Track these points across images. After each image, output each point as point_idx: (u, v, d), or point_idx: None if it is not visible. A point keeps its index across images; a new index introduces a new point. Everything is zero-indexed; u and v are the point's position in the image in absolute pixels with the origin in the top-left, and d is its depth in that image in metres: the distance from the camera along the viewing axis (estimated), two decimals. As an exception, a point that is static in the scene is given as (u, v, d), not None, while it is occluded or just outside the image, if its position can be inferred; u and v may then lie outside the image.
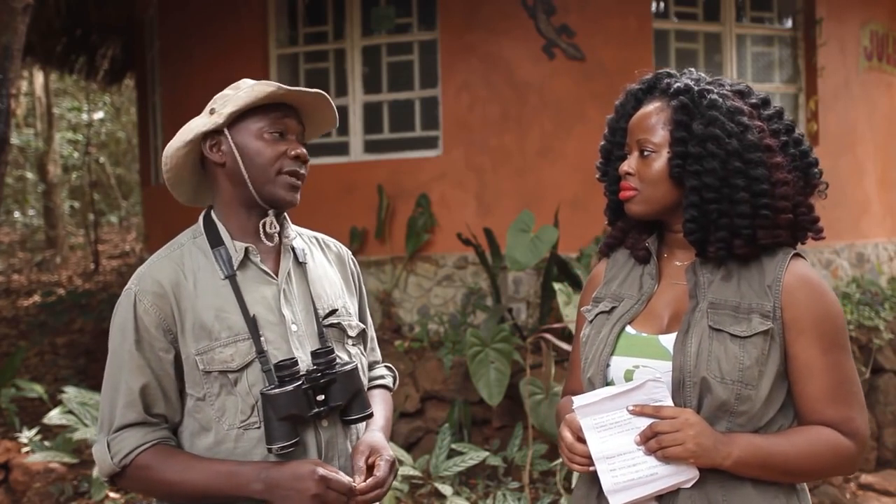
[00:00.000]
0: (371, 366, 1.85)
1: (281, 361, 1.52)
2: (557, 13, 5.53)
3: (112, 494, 4.17)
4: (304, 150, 1.61)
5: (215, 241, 1.61)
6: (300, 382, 1.51)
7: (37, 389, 5.40)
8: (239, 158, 1.58)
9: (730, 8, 6.06)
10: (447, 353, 4.79)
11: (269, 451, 1.49)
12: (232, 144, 1.58)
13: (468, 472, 4.29)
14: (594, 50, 5.53)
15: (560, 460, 3.98)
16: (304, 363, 1.56)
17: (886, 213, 6.74)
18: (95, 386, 5.40)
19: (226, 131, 1.59)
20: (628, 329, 1.55)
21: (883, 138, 6.65)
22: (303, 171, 1.62)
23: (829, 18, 6.21)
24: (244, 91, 1.59)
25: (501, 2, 5.58)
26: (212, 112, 1.61)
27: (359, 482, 1.51)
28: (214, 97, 1.65)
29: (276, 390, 1.49)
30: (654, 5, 5.90)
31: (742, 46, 6.19)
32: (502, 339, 4.43)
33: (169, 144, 1.63)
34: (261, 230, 1.61)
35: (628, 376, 1.51)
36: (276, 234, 1.63)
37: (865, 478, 4.74)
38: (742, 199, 1.45)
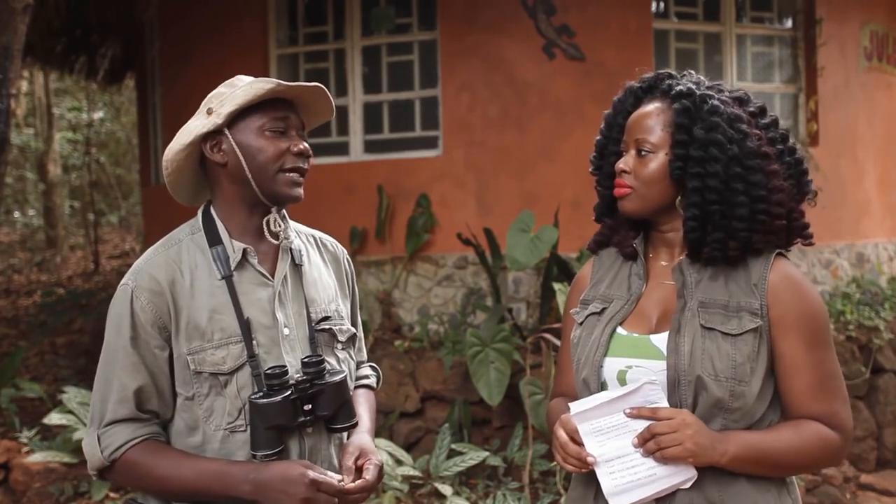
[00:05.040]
0: (357, 365, 1.85)
1: (271, 370, 1.50)
2: (557, 13, 5.53)
3: (112, 494, 4.17)
4: (307, 146, 1.60)
5: (213, 239, 1.59)
6: (289, 392, 1.50)
7: (37, 389, 5.41)
8: (241, 157, 1.56)
9: (730, 8, 6.06)
10: (447, 353, 4.78)
11: (254, 457, 1.50)
12: (233, 143, 1.56)
13: (468, 472, 4.28)
14: (594, 50, 5.53)
15: (560, 460, 3.98)
16: (294, 367, 1.56)
17: (886, 214, 6.74)
18: (95, 386, 5.40)
19: (226, 131, 1.57)
20: (619, 330, 1.57)
21: (883, 138, 6.65)
22: (305, 167, 1.61)
23: (829, 18, 6.21)
24: (242, 89, 1.56)
25: (501, 2, 5.58)
26: (209, 112, 1.59)
27: (347, 482, 1.51)
28: (209, 96, 1.63)
29: (265, 400, 1.48)
30: (654, 5, 5.90)
31: (742, 46, 6.19)
32: (502, 339, 4.42)
33: (168, 148, 1.62)
34: (265, 228, 1.60)
35: (621, 376, 1.53)
36: (281, 233, 1.61)
37: (865, 478, 4.74)
38: (741, 203, 1.48)
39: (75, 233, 14.44)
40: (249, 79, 1.62)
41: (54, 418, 4.27)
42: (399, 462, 3.97)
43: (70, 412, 4.31)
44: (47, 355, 7.42)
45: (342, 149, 5.87)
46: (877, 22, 6.59)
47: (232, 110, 1.55)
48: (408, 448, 4.52)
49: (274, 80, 1.57)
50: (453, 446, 4.14)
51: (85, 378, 6.17)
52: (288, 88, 1.58)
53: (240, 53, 6.01)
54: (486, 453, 4.10)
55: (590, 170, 1.72)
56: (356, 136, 5.85)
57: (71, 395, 4.41)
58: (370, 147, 5.89)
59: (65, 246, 13.23)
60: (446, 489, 3.87)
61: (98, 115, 13.97)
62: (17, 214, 14.95)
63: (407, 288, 5.67)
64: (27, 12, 3.84)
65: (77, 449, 4.38)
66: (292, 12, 6.15)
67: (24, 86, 13.23)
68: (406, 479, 3.93)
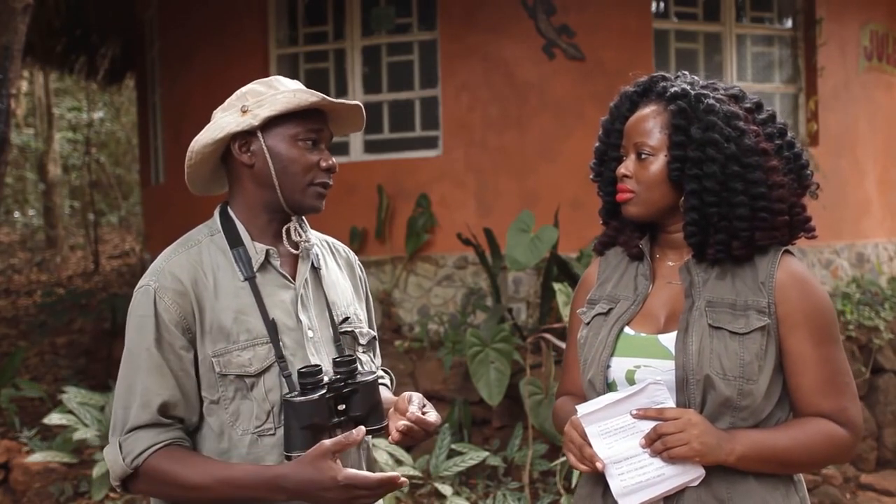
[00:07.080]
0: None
1: (306, 368, 1.47)
2: (557, 13, 5.54)
3: (112, 494, 4.17)
4: (335, 161, 1.60)
5: (234, 240, 1.56)
6: (324, 391, 1.46)
7: (37, 389, 5.41)
8: (270, 163, 1.54)
9: (730, 8, 6.06)
10: (447, 353, 4.78)
11: (288, 458, 1.46)
12: (264, 147, 1.54)
13: (468, 472, 4.28)
14: (594, 50, 5.53)
15: (560, 460, 3.98)
16: (324, 370, 1.53)
17: (886, 214, 6.74)
18: (95, 386, 5.41)
19: (259, 133, 1.54)
20: (627, 330, 1.57)
21: (883, 138, 6.65)
22: (331, 182, 1.60)
23: (829, 18, 6.21)
24: (284, 95, 1.53)
25: (501, 2, 5.58)
26: (244, 110, 1.55)
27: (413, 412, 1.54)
28: (242, 92, 1.59)
29: (301, 398, 1.44)
30: (654, 5, 5.90)
31: (742, 46, 6.19)
32: (502, 339, 4.42)
33: (196, 139, 1.57)
34: (285, 237, 1.58)
35: (630, 376, 1.52)
36: (301, 242, 1.60)
37: (865, 478, 4.74)
38: (741, 202, 1.48)
39: (75, 233, 14.43)
40: (291, 83, 1.59)
41: (54, 418, 4.27)
42: (399, 462, 3.97)
43: (70, 412, 4.31)
44: (47, 355, 7.41)
45: (342, 149, 5.87)
46: (877, 22, 6.59)
47: (270, 115, 1.52)
48: (407, 448, 4.52)
49: (318, 93, 1.55)
50: (453, 446, 4.14)
51: (85, 378, 6.17)
52: (330, 104, 1.56)
53: (240, 54, 6.01)
54: (486, 453, 4.10)
55: (590, 177, 1.71)
56: (356, 135, 5.85)
57: (71, 395, 4.41)
58: (370, 147, 5.89)
59: (65, 246, 13.22)
60: (446, 489, 3.87)
61: (98, 115, 13.97)
62: (17, 214, 14.95)
63: (407, 288, 5.67)
64: (27, 12, 3.85)
65: (77, 449, 4.39)
66: (292, 12, 6.15)
67: (24, 86, 13.24)
68: (406, 479, 3.93)
